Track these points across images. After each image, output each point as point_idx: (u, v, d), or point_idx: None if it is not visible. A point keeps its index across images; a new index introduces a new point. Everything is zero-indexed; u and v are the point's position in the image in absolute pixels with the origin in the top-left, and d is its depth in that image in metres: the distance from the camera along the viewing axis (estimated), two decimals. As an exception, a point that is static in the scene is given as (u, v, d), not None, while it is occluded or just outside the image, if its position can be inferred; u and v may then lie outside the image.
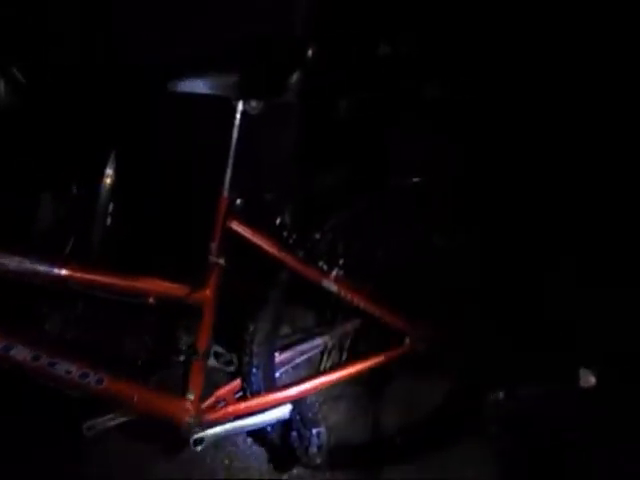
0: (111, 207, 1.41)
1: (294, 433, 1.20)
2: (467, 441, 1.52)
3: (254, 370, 1.25)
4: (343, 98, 1.56)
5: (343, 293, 1.26)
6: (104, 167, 1.39)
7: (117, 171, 1.39)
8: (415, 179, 1.33)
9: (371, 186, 1.36)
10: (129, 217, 1.43)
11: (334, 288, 1.24)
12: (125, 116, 1.38)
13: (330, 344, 1.42)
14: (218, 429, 1.20)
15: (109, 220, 1.41)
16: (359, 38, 1.52)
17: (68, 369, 1.09)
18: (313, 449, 1.16)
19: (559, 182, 1.60)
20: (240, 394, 1.27)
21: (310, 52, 1.10)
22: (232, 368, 1.28)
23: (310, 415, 1.20)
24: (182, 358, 1.23)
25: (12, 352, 1.05)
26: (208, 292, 1.16)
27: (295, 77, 1.10)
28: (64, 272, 1.08)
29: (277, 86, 1.09)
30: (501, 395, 1.57)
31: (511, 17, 1.54)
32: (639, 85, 1.50)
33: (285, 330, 1.42)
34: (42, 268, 1.06)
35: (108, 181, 1.40)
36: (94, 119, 1.38)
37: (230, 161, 1.13)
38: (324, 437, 1.17)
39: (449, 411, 1.51)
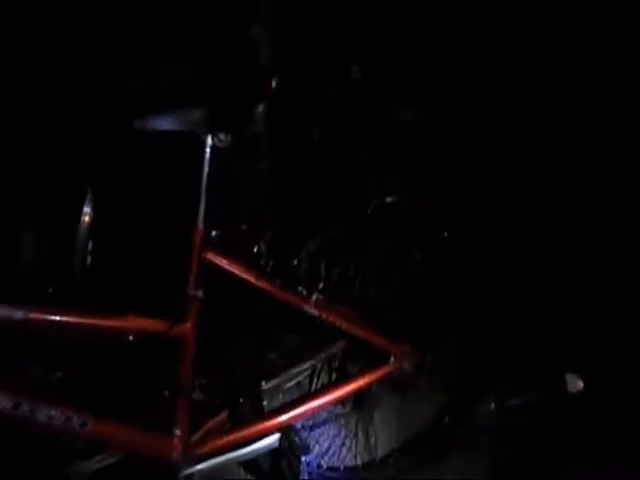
0: (90, 245, 1.41)
1: (284, 461, 1.19)
2: (460, 453, 1.52)
3: (241, 400, 1.24)
4: (316, 126, 1.59)
5: (324, 316, 1.26)
6: (82, 205, 1.39)
7: (95, 209, 1.40)
8: (390, 199, 1.34)
9: (348, 209, 1.37)
10: (109, 254, 1.43)
11: (315, 312, 1.25)
12: (100, 154, 1.39)
13: (318, 367, 1.42)
14: (207, 463, 1.18)
15: (89, 258, 1.41)
16: (330, 64, 1.55)
17: (50, 414, 1.07)
18: (303, 476, 1.15)
19: (541, 197, 1.63)
20: (229, 425, 1.26)
21: (274, 83, 1.12)
22: (218, 400, 1.27)
23: (298, 442, 1.19)
24: (167, 393, 1.22)
25: (-8, 401, 1.03)
26: (188, 325, 1.16)
27: (261, 108, 1.11)
28: (39, 317, 1.07)
29: (244, 118, 1.11)
30: (492, 406, 1.57)
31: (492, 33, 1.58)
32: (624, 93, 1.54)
33: (272, 356, 1.41)
34: (18, 314, 1.05)
35: (86, 219, 1.40)
36: (71, 159, 1.39)
37: (203, 193, 1.14)
38: (313, 464, 1.16)
39: (440, 425, 1.51)
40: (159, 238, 1.38)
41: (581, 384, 1.51)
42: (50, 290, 1.38)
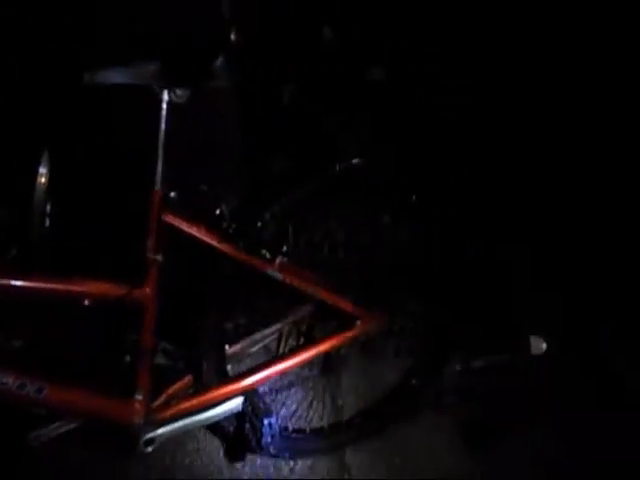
0: (48, 207, 1.35)
1: (247, 424, 1.18)
2: (427, 415, 1.54)
3: (204, 364, 1.23)
4: (285, 83, 1.53)
5: (288, 280, 1.24)
6: (37, 166, 1.33)
7: (51, 170, 1.33)
8: (356, 161, 1.31)
9: (314, 172, 1.34)
10: (67, 217, 1.38)
11: (279, 276, 1.22)
12: (54, 112, 1.32)
13: (286, 330, 1.41)
14: (169, 427, 1.17)
15: (47, 221, 1.36)
16: (301, 23, 1.49)
17: (3, 381, 1.04)
18: (266, 439, 1.15)
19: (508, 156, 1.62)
20: (192, 390, 1.24)
21: (233, 36, 1.06)
22: (182, 364, 1.26)
23: (261, 405, 1.18)
24: (128, 358, 1.20)
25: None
26: (148, 290, 1.13)
27: (220, 62, 1.06)
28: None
29: (201, 72, 1.06)
30: (457, 367, 1.59)
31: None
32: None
33: (238, 320, 1.39)
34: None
35: (42, 180, 1.34)
36: (23, 117, 1.32)
37: (160, 152, 1.10)
38: (276, 427, 1.16)
39: (407, 388, 1.52)
40: (117, 199, 1.33)
41: (544, 346, 1.54)
42: (11, 255, 1.33)
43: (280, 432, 1.19)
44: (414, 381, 1.52)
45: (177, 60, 1.04)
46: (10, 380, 1.05)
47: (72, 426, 1.19)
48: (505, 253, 1.59)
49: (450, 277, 1.44)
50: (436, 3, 1.59)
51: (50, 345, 1.32)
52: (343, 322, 1.38)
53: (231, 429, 1.28)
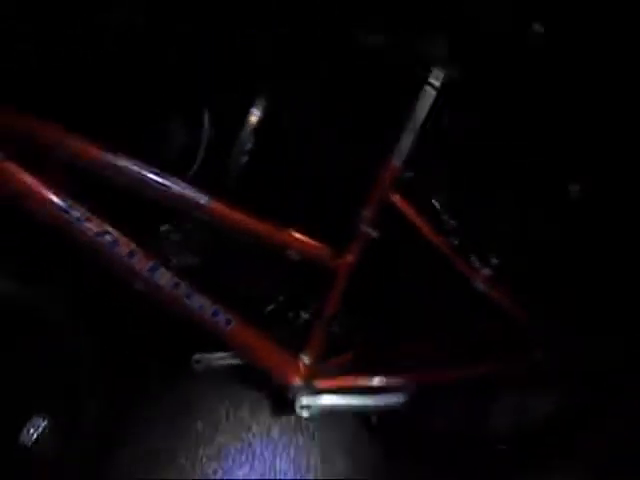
0: (249, 146, 1.37)
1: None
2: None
3: (377, 346, 1.19)
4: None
5: (492, 295, 1.16)
6: (251, 105, 1.34)
7: (265, 112, 1.34)
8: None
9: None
10: (269, 162, 1.38)
11: (482, 287, 1.15)
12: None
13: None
14: (327, 400, 1.15)
15: (245, 158, 1.38)
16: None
17: (202, 304, 1.07)
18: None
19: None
20: (357, 367, 1.21)
21: (537, 26, 0.98)
22: (350, 339, 1.23)
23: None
24: (306, 317, 1.19)
25: (156, 274, 1.03)
26: (350, 259, 1.11)
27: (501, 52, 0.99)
28: (211, 204, 1.04)
29: (480, 57, 0.99)
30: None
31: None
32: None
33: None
34: (202, 199, 1.03)
35: (252, 119, 1.36)
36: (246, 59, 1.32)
37: (412, 129, 1.05)
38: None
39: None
40: (336, 160, 1.31)
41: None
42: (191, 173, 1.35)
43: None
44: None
45: (457, 42, 0.99)
46: (207, 304, 1.07)
47: (235, 362, 1.20)
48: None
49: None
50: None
51: (224, 275, 1.35)
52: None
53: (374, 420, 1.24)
